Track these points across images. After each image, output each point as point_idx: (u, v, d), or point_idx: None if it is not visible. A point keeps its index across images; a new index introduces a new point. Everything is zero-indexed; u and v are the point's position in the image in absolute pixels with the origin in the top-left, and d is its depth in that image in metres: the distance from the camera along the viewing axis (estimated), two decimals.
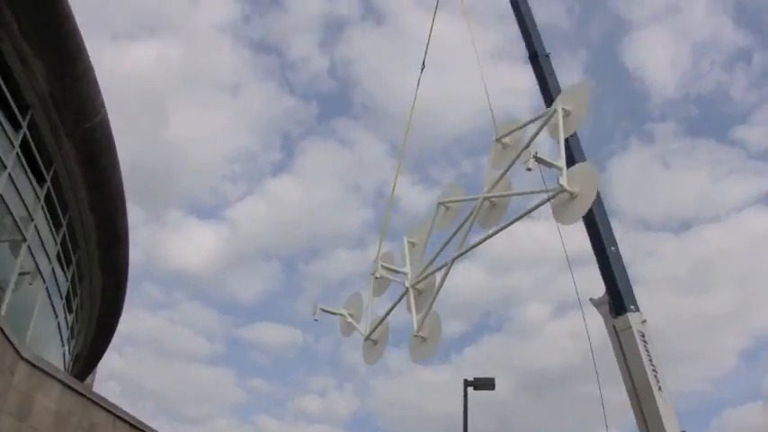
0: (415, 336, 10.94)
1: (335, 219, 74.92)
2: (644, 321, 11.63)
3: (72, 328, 14.83)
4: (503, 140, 10.56)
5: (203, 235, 75.42)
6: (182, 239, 73.22)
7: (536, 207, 8.45)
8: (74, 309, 14.29)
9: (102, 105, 10.89)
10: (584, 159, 11.97)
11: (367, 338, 12.19)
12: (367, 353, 12.39)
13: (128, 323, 70.58)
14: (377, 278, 11.20)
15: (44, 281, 12.06)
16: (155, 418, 70.13)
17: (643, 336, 11.40)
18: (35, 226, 11.12)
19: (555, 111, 8.99)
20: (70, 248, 13.08)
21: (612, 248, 12.33)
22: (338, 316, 12.55)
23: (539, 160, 7.78)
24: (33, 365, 9.77)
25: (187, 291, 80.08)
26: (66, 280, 13.25)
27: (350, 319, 12.70)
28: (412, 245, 11.98)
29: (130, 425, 11.75)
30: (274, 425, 68.97)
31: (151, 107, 66.66)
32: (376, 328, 12.13)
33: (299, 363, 79.78)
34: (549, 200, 8.09)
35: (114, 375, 69.92)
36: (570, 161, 8.48)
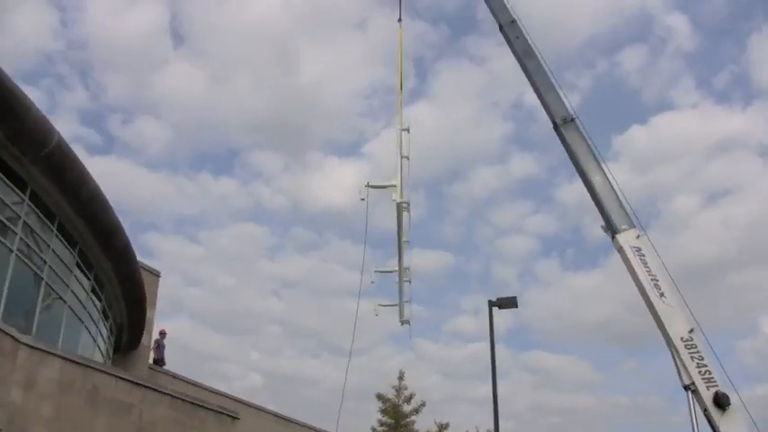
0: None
1: (475, 137, 74.95)
2: (639, 236, 12.40)
3: (102, 307, 17.92)
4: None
5: (345, 173, 76.87)
6: (325, 180, 75.45)
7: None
8: (89, 291, 17.17)
9: (52, 131, 13.27)
10: None
11: (403, 323, 15.35)
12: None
13: (281, 268, 74.74)
14: (372, 282, 14.25)
15: (39, 273, 14.80)
16: (317, 356, 74.84)
17: (639, 250, 12.26)
18: (20, 238, 13.81)
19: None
20: (68, 246, 15.82)
21: (597, 178, 13.06)
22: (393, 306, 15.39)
23: (373, 186, 10.03)
24: (32, 347, 12.53)
25: (336, 229, 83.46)
26: (70, 272, 16.03)
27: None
28: (407, 243, 14.41)
29: (132, 382, 14.53)
30: (432, 347, 71.63)
31: (281, 56, 69.19)
32: (402, 313, 15.40)
33: (451, 285, 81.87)
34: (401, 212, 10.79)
35: (275, 319, 74.88)
36: None
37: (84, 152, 77.73)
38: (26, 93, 12.48)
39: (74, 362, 13.33)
